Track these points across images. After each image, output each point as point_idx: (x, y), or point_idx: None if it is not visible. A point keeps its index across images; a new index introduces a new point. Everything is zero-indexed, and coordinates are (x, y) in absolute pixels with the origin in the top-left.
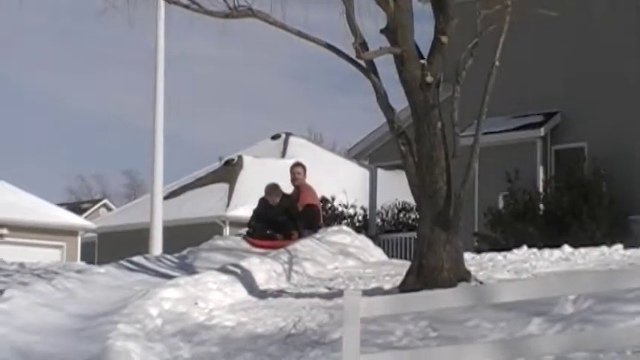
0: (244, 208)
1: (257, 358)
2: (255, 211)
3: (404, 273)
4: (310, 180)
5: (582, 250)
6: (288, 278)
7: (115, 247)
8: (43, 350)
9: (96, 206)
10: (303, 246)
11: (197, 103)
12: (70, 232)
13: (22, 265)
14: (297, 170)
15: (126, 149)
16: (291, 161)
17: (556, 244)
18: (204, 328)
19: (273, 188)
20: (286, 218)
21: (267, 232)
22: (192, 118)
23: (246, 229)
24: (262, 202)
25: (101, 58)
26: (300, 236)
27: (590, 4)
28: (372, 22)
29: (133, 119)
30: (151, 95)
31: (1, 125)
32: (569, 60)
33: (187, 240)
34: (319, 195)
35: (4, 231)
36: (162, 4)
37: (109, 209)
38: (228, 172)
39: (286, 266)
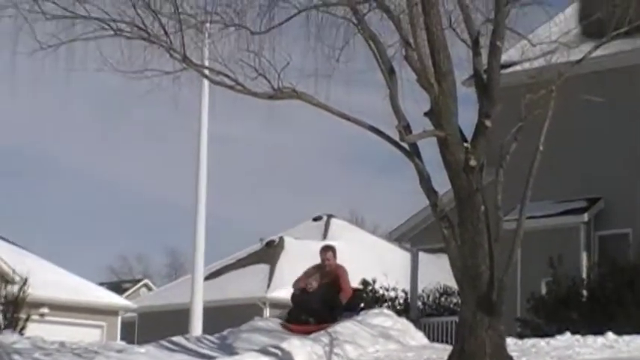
0: (285, 290)
1: None
2: (293, 295)
3: (445, 357)
4: (351, 261)
5: (626, 337)
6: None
7: (155, 327)
8: None
9: (137, 286)
10: (344, 328)
11: (240, 184)
12: (110, 311)
13: (62, 344)
14: (327, 257)
15: (169, 229)
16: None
17: (600, 331)
18: None
19: (308, 273)
20: (322, 305)
21: (302, 317)
22: (234, 199)
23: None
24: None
25: (146, 139)
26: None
27: (635, 88)
28: (416, 105)
29: (176, 199)
30: (194, 175)
31: (44, 204)
32: (613, 144)
33: (228, 321)
34: (360, 278)
35: (45, 310)
36: (206, 85)
37: (150, 289)
38: (269, 253)
39: (327, 349)
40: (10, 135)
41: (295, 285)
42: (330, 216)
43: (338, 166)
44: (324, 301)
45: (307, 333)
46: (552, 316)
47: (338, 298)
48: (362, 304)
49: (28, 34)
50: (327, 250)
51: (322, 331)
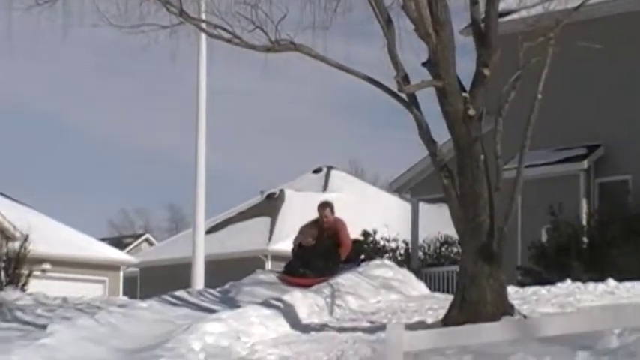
0: (286, 242)
1: None
2: (292, 250)
3: (447, 307)
4: (352, 213)
5: (627, 283)
6: (331, 312)
7: (157, 281)
8: None
9: (138, 241)
10: (346, 280)
11: (239, 136)
12: (112, 266)
13: (65, 299)
14: (325, 214)
15: (168, 184)
16: (333, 195)
17: (600, 278)
18: None
19: (305, 230)
20: (320, 259)
21: (300, 270)
22: (234, 152)
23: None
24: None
25: (145, 93)
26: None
27: (635, 36)
28: (414, 56)
29: (175, 154)
30: (193, 129)
31: (45, 161)
32: (612, 92)
33: (229, 274)
34: (361, 229)
35: (47, 266)
36: (203, 38)
37: (151, 244)
38: (270, 205)
39: (329, 300)
40: (9, 93)
41: (295, 242)
42: (330, 168)
43: (338, 117)
44: (323, 254)
45: (304, 285)
46: (553, 264)
47: (336, 251)
48: (362, 256)
49: None
50: (325, 207)
51: (324, 283)
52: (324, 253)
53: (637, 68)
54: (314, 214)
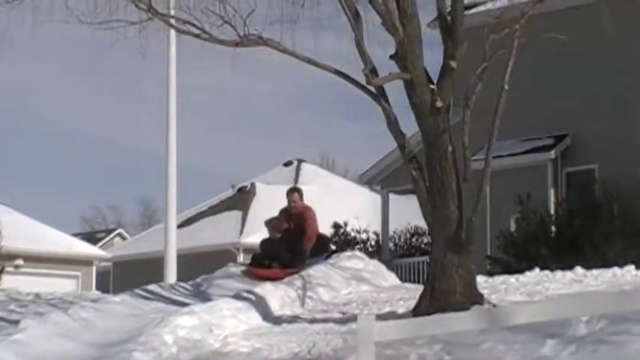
0: (257, 235)
1: None
2: (260, 244)
3: (417, 297)
4: (322, 205)
5: (595, 271)
6: (302, 304)
7: (130, 275)
8: None
9: (110, 236)
10: (317, 271)
11: (210, 132)
12: (85, 261)
13: (37, 295)
14: (293, 199)
15: (141, 179)
16: (304, 187)
17: (568, 266)
18: (220, 355)
19: (269, 224)
20: (286, 251)
21: (266, 262)
22: (205, 147)
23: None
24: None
25: (116, 90)
26: (298, 271)
27: (600, 26)
28: (382, 49)
29: (147, 149)
30: (164, 124)
31: (17, 156)
32: (579, 82)
33: (202, 267)
34: (332, 221)
35: (20, 262)
36: (173, 34)
37: (124, 238)
38: (242, 199)
39: (300, 292)
40: None
41: (267, 224)
42: (300, 161)
43: (308, 111)
44: (288, 247)
45: (270, 278)
46: (521, 253)
47: (302, 243)
48: (330, 250)
49: None
50: (293, 192)
51: (295, 275)
52: (289, 245)
53: (602, 58)
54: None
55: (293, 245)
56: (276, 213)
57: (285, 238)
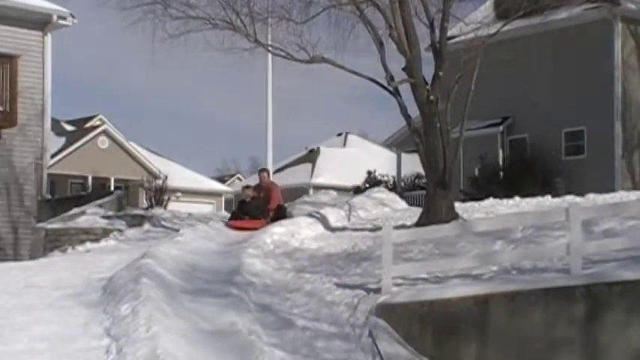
0: (321, 178)
1: (331, 268)
2: (237, 203)
3: (418, 216)
4: (360, 161)
5: (527, 199)
6: (349, 219)
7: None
8: (205, 265)
9: (232, 178)
10: (357, 200)
11: (291, 114)
12: (217, 194)
13: (190, 214)
14: (262, 175)
15: (251, 144)
16: (351, 150)
17: (510, 196)
18: (299, 250)
19: (245, 189)
20: (255, 209)
21: (240, 216)
22: (289, 123)
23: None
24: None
25: (235, 91)
26: (267, 222)
27: (530, 48)
28: (397, 64)
29: (255, 127)
30: (264, 110)
31: (176, 135)
32: (516, 81)
33: (287, 199)
34: (366, 170)
35: (179, 194)
36: (269, 56)
37: (240, 180)
38: (311, 156)
39: (347, 212)
40: (163, 91)
41: (243, 191)
42: (347, 133)
43: (351, 103)
44: (256, 207)
45: (243, 228)
46: (482, 189)
47: (265, 207)
48: (286, 216)
49: (161, 29)
50: (263, 172)
51: (343, 202)
52: (257, 205)
53: (532, 69)
54: (338, 163)
55: (260, 206)
56: (332, 164)
57: (255, 201)
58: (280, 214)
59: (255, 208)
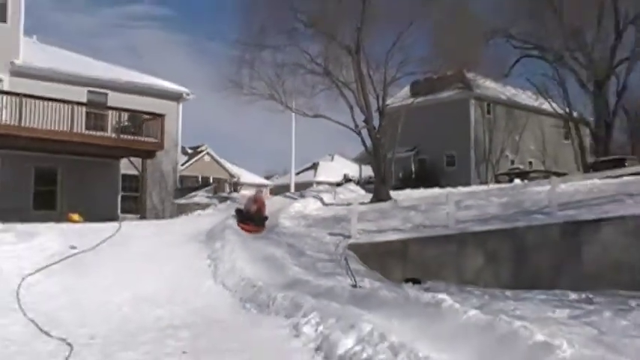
0: (321, 177)
1: (325, 225)
2: (242, 211)
3: (370, 198)
4: (340, 168)
5: (427, 190)
6: (334, 199)
7: (280, 191)
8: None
9: (274, 176)
10: (339, 190)
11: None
12: (265, 185)
13: (243, 196)
14: (258, 197)
15: (284, 157)
16: (336, 163)
17: (418, 187)
18: (308, 216)
19: (248, 203)
20: (256, 217)
21: (247, 221)
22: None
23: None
24: (244, 209)
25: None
26: (263, 228)
27: (439, 109)
28: (360, 118)
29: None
30: (290, 141)
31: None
32: (423, 129)
33: (302, 189)
34: (343, 174)
35: (241, 185)
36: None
37: (277, 178)
38: (315, 166)
39: (334, 196)
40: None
41: (246, 204)
42: (334, 154)
43: (336, 137)
44: (259, 218)
45: (249, 231)
46: (404, 184)
47: (262, 214)
48: (265, 221)
49: (256, 79)
50: (260, 192)
51: (331, 190)
52: (259, 218)
53: (430, 121)
54: (329, 169)
55: (261, 217)
56: (327, 172)
57: (257, 214)
58: (265, 222)
59: (258, 218)
